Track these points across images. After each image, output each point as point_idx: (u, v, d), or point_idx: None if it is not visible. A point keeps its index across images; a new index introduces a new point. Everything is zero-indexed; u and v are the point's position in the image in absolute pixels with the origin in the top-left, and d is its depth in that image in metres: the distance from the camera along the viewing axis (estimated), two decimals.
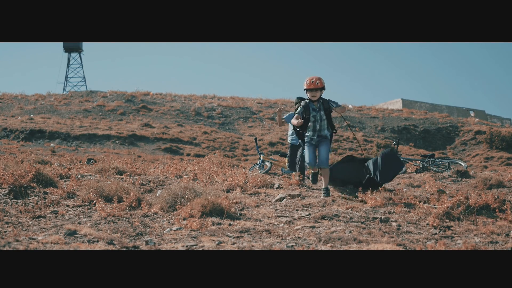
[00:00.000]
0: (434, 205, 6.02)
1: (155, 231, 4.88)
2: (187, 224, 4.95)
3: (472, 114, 45.94)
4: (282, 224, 5.35)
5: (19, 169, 6.84)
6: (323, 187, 6.98)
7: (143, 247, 4.22)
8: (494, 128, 32.84)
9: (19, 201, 5.82)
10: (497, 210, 5.79)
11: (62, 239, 4.16)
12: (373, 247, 4.31)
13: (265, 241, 4.58)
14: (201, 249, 4.14)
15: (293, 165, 8.95)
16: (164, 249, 4.15)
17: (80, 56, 63.10)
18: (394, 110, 41.11)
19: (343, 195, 6.78)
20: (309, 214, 5.81)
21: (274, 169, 11.27)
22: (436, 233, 5.10)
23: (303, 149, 7.41)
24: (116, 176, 8.21)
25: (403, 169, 10.92)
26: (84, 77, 62.75)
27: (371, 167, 7.37)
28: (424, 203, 6.25)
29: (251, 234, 4.82)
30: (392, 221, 5.55)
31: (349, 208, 6.13)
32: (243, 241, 4.54)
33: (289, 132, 9.13)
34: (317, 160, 7.17)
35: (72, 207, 5.76)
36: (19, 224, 4.84)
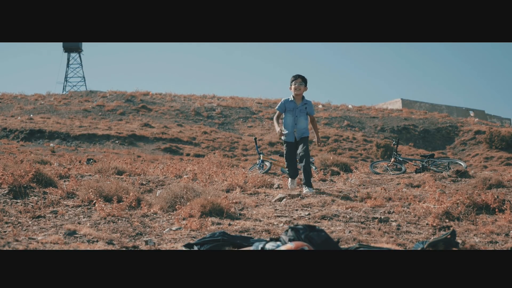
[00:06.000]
0: (433, 205, 6.02)
1: (154, 231, 4.88)
2: (186, 224, 4.94)
3: (471, 114, 45.96)
4: (282, 224, 5.35)
5: (19, 169, 6.84)
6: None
7: (143, 247, 4.22)
8: (494, 128, 32.87)
9: (18, 201, 5.82)
10: (496, 210, 5.79)
11: (62, 239, 4.16)
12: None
13: None
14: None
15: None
16: (163, 249, 4.15)
17: (79, 56, 63.13)
18: (393, 110, 41.13)
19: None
20: (309, 214, 5.81)
21: (274, 169, 11.28)
22: (435, 233, 5.10)
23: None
24: (116, 176, 8.22)
25: (403, 169, 10.93)
26: (83, 77, 62.78)
27: None
28: (423, 203, 6.25)
29: (250, 234, 4.82)
30: (391, 221, 5.56)
31: (348, 208, 6.13)
32: None
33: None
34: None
35: (72, 207, 5.76)
36: (18, 224, 4.84)
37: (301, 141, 7.25)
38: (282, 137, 7.38)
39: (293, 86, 7.25)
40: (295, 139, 7.29)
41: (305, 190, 7.07)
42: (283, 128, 7.35)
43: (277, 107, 7.45)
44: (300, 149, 7.22)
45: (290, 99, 7.32)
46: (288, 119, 7.30)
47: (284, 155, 7.49)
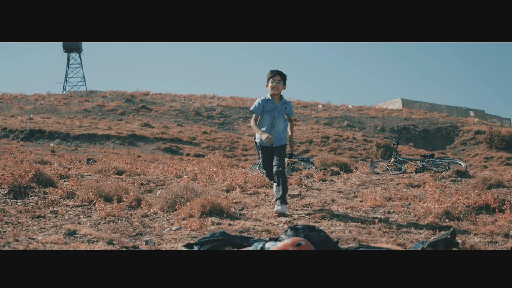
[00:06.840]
0: (433, 205, 6.02)
1: (154, 231, 4.88)
2: (186, 224, 4.95)
3: (471, 114, 45.97)
4: (282, 224, 5.35)
5: (19, 169, 6.84)
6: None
7: (143, 247, 4.22)
8: (494, 128, 32.88)
9: (18, 201, 5.82)
10: (496, 210, 5.79)
11: (62, 239, 4.16)
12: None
13: None
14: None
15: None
16: (163, 249, 4.15)
17: (79, 56, 63.13)
18: (393, 110, 41.13)
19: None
20: (309, 214, 5.81)
21: None
22: (435, 233, 5.10)
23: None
24: (116, 176, 8.22)
25: (403, 169, 10.93)
26: (83, 77, 62.77)
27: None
28: (423, 203, 6.25)
29: (250, 234, 4.83)
30: (391, 221, 5.56)
31: (348, 208, 6.13)
32: None
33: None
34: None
35: (72, 207, 5.76)
36: (18, 224, 4.84)
37: (278, 151, 6.13)
38: (257, 140, 6.37)
39: (270, 84, 6.07)
40: (272, 145, 6.15)
41: (276, 207, 5.86)
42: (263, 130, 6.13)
43: (252, 107, 6.15)
44: (275, 162, 6.08)
45: (267, 98, 6.13)
46: (265, 121, 6.12)
47: (262, 165, 6.34)
